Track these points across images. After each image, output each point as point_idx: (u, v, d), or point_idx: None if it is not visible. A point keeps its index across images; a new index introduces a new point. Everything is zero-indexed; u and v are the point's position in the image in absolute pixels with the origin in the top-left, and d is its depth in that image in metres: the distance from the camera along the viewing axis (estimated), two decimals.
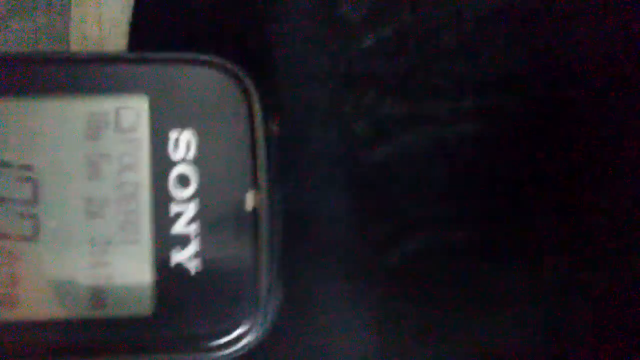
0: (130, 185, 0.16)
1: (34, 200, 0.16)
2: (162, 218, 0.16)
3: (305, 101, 0.18)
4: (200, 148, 0.16)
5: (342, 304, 0.18)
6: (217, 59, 0.16)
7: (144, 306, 0.16)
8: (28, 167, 0.16)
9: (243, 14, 0.18)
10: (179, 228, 0.16)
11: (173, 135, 0.16)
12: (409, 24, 0.17)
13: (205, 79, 0.16)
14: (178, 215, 0.16)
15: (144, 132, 0.16)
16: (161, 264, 0.16)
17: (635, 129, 0.18)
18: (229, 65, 0.16)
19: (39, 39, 0.20)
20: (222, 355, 0.16)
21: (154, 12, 0.19)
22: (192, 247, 0.16)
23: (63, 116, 0.16)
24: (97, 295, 0.16)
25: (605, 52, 0.17)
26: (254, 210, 0.16)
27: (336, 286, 0.18)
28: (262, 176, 0.16)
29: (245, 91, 0.16)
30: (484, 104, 0.17)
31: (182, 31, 0.19)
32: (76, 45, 0.20)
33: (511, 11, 0.17)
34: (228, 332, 0.16)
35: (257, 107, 0.16)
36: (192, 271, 0.16)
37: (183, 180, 0.16)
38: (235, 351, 0.16)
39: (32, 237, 0.16)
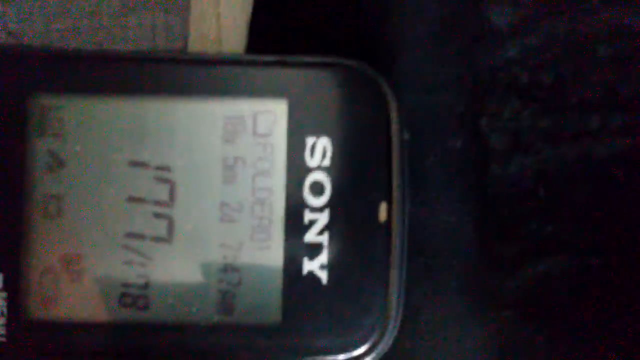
0: (264, 191, 0.16)
1: (170, 201, 0.16)
2: (295, 225, 0.16)
3: (435, 107, 0.17)
4: (335, 156, 0.16)
5: (454, 324, 0.18)
6: (357, 64, 0.16)
7: (273, 314, 0.16)
8: (165, 168, 0.16)
9: (370, 16, 0.18)
10: (311, 236, 0.16)
11: (309, 141, 0.16)
12: (562, 33, 0.16)
13: (344, 84, 0.16)
14: (311, 223, 0.16)
15: (281, 137, 0.16)
16: (292, 272, 0.16)
17: None
18: (369, 71, 0.16)
19: (157, 36, 0.20)
20: None
21: (275, 12, 0.19)
22: (324, 256, 0.16)
23: (201, 118, 0.16)
24: (226, 300, 0.16)
25: None
26: (387, 222, 0.16)
27: (449, 305, 0.18)
28: (397, 187, 0.16)
29: (383, 98, 0.16)
30: (637, 120, 0.16)
31: (304, 33, 0.18)
32: (194, 44, 0.20)
33: None
34: (355, 347, 0.16)
35: (394, 115, 0.16)
36: (322, 281, 0.16)
37: (317, 188, 0.16)
38: None
39: (166, 238, 0.16)
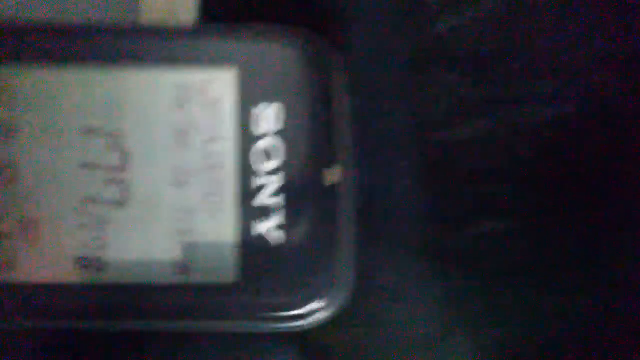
0: (216, 155, 0.16)
1: (123, 166, 0.16)
2: (246, 189, 0.16)
3: (382, 75, 0.18)
4: (284, 122, 0.16)
5: (407, 280, 0.19)
6: (306, 32, 0.16)
7: (226, 274, 0.16)
8: (117, 134, 0.16)
9: None
10: (262, 199, 0.16)
11: (259, 108, 0.16)
12: (491, 9, 0.17)
13: (293, 53, 0.16)
14: (262, 187, 0.16)
15: (231, 104, 0.16)
16: (244, 234, 0.16)
17: None
18: (316, 39, 0.16)
19: (109, 4, 0.20)
20: (297, 326, 0.17)
21: None
22: (274, 219, 0.16)
23: (152, 86, 0.16)
24: (181, 261, 0.16)
25: None
26: (334, 185, 0.17)
27: (401, 262, 0.19)
28: (343, 152, 0.17)
29: (332, 66, 0.16)
30: (568, 90, 0.17)
31: (254, 2, 0.19)
32: (145, 12, 0.20)
33: None
34: (304, 303, 0.17)
35: (342, 82, 0.16)
36: (273, 242, 0.16)
37: (268, 153, 0.16)
38: (310, 323, 0.17)
39: (120, 202, 0.16)
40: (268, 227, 0.16)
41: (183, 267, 0.16)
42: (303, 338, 0.18)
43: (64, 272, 0.16)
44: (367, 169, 0.18)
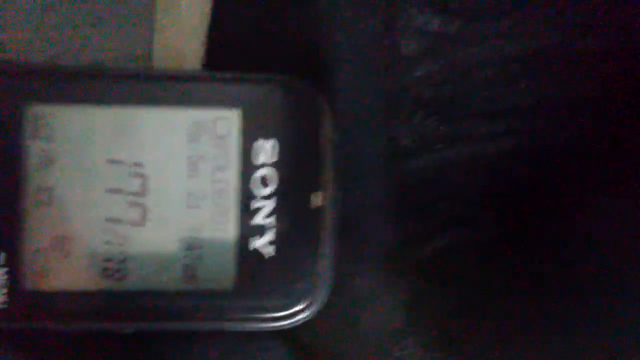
0: (221, 183, 0.19)
1: (143, 192, 0.19)
2: (246, 210, 0.19)
3: (360, 114, 0.21)
4: (279, 154, 0.20)
5: (376, 287, 0.22)
6: (297, 81, 0.20)
7: (228, 282, 0.19)
8: (139, 165, 0.19)
9: (311, 35, 0.21)
10: (258, 220, 0.19)
11: (258, 142, 0.19)
12: (457, 59, 0.21)
13: (288, 96, 0.20)
14: (258, 209, 0.19)
15: (236, 138, 0.19)
16: (243, 248, 0.19)
17: None
18: (306, 86, 0.20)
19: (125, 46, 0.22)
20: (286, 324, 0.20)
21: (229, 27, 0.22)
22: (268, 236, 0.20)
23: (169, 123, 0.19)
24: (190, 271, 0.19)
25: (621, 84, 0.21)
26: (319, 207, 0.20)
27: (372, 271, 0.22)
28: (327, 179, 0.20)
29: (318, 107, 0.20)
30: (515, 126, 0.21)
31: (254, 46, 0.22)
32: (158, 54, 0.23)
33: (537, 54, 0.21)
34: (291, 306, 0.20)
35: (327, 121, 0.20)
36: (266, 255, 0.20)
37: (264, 181, 0.20)
38: (296, 322, 0.20)
39: (140, 222, 0.19)
40: (262, 243, 0.20)
41: (191, 276, 0.19)
42: (290, 335, 0.21)
43: (90, 281, 0.19)
44: (347, 192, 0.21)
